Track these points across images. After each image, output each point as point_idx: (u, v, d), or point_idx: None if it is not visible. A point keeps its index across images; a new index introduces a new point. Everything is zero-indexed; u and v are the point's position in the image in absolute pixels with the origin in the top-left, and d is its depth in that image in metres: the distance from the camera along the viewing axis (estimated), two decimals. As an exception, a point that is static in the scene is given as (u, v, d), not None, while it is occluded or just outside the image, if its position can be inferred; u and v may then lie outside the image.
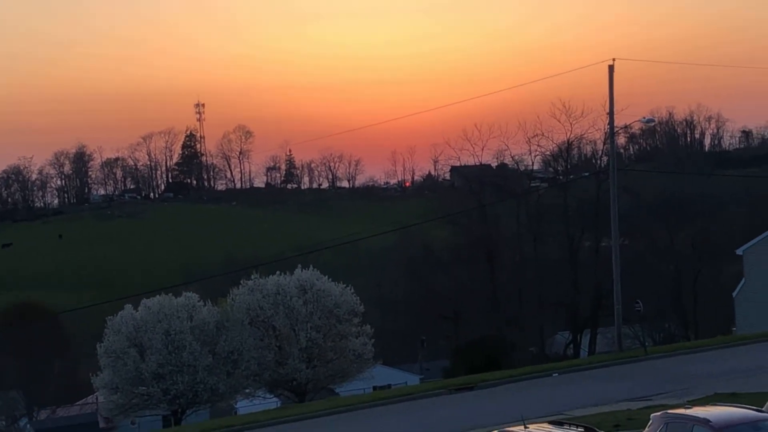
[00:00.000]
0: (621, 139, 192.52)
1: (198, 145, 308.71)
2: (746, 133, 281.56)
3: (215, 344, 56.10)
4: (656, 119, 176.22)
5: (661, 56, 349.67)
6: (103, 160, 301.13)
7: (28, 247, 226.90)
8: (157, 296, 57.72)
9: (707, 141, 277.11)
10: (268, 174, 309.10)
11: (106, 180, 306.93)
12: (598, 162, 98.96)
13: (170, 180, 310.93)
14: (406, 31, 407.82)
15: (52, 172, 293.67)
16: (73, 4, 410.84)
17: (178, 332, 54.97)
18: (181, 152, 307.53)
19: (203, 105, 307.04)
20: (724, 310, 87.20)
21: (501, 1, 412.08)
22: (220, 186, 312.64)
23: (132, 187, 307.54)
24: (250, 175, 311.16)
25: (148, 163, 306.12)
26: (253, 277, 59.95)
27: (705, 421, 22.24)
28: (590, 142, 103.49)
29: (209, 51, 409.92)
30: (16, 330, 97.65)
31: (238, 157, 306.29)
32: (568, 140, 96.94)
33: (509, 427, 23.66)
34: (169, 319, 55.37)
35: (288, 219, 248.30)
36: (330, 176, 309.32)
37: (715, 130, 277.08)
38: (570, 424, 23.15)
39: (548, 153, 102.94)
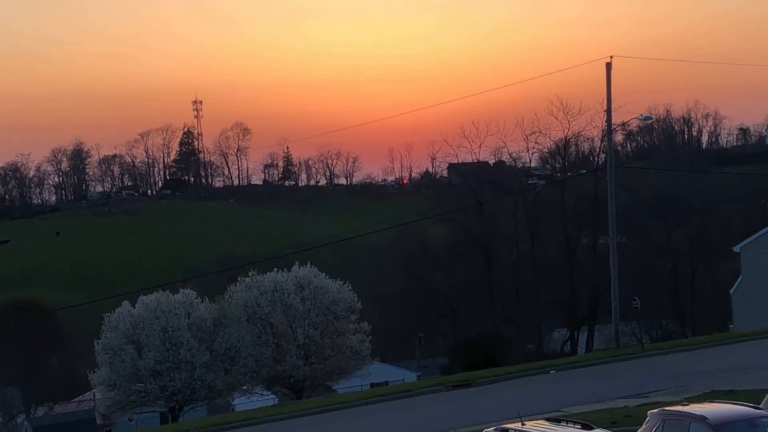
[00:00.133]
0: (618, 137, 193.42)
1: (195, 143, 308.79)
2: (743, 131, 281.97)
3: (213, 341, 56.13)
4: (654, 117, 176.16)
5: (659, 54, 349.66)
6: (101, 157, 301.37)
7: (26, 244, 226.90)
8: (155, 293, 57.74)
9: (704, 138, 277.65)
10: (266, 171, 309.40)
11: (104, 177, 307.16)
12: (596, 159, 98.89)
13: (168, 177, 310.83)
14: (404, 29, 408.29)
15: (50, 169, 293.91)
16: (71, 1, 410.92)
17: (176, 329, 55.00)
18: (178, 149, 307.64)
19: (201, 102, 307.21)
20: (721, 308, 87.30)
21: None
22: (218, 183, 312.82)
23: (129, 184, 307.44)
24: (247, 172, 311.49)
25: (146, 160, 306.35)
26: (250, 274, 59.97)
27: (702, 418, 22.27)
28: (588, 139, 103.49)
29: (207, 48, 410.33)
30: (14, 327, 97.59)
31: (236, 154, 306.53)
32: (565, 137, 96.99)
33: (507, 424, 23.72)
34: (166, 316, 55.40)
35: (285, 216, 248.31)
36: (327, 173, 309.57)
37: (713, 128, 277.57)
38: (567, 421, 23.19)
39: (546, 150, 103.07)
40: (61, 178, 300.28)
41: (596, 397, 37.99)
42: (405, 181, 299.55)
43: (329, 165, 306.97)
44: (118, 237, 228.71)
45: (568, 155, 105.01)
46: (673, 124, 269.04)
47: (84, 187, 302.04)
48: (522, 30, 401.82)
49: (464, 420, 35.39)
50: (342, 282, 59.93)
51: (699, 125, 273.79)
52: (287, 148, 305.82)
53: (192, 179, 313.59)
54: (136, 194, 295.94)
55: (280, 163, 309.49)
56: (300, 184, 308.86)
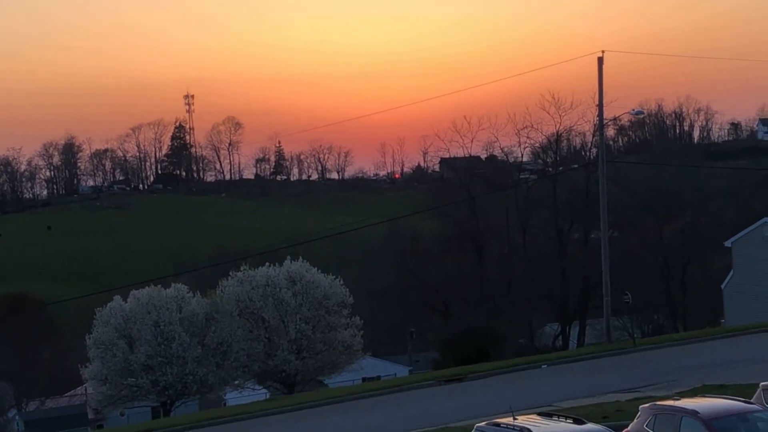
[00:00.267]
0: (610, 131, 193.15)
1: (187, 137, 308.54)
2: (735, 126, 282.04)
3: (204, 336, 56.13)
4: (645, 111, 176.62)
5: (651, 48, 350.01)
6: (92, 151, 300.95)
7: (17, 238, 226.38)
8: (147, 288, 57.74)
9: (696, 133, 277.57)
10: (258, 165, 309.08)
11: (95, 171, 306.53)
12: (588, 154, 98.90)
13: (159, 171, 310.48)
14: (396, 24, 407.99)
15: (41, 163, 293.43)
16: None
17: (168, 324, 55.00)
18: (170, 144, 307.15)
19: (192, 96, 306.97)
20: (712, 302, 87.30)
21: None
22: (210, 177, 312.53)
23: (121, 178, 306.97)
24: (239, 167, 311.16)
25: (138, 154, 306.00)
26: (242, 268, 60.00)
27: (693, 413, 22.31)
28: (579, 134, 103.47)
29: (198, 43, 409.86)
30: (5, 321, 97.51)
31: (228, 149, 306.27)
32: (557, 132, 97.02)
33: (498, 418, 23.71)
34: (158, 310, 55.39)
35: (277, 210, 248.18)
36: (319, 168, 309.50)
37: (704, 123, 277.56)
38: (559, 416, 23.20)
39: (537, 145, 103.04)
40: (52, 173, 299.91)
41: (588, 392, 38.03)
42: (397, 176, 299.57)
43: (321, 159, 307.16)
44: (109, 231, 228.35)
45: (560, 150, 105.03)
46: (665, 119, 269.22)
47: (75, 182, 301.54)
48: (514, 25, 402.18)
49: (456, 415, 35.41)
50: (334, 276, 60.01)
51: (690, 120, 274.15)
52: (279, 142, 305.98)
53: (184, 174, 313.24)
54: (128, 189, 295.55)
55: (272, 158, 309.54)
56: (292, 179, 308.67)
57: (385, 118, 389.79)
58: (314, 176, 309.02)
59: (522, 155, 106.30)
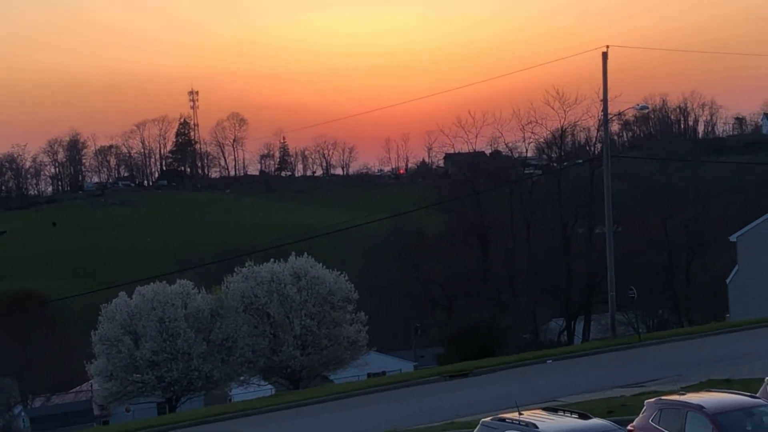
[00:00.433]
0: (615, 126, 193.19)
1: (192, 133, 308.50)
2: (739, 120, 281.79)
3: (209, 332, 56.20)
4: (650, 106, 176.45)
5: (655, 43, 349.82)
6: (97, 147, 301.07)
7: (22, 235, 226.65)
8: (152, 284, 57.83)
9: (701, 128, 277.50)
10: (262, 161, 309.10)
11: (100, 168, 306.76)
12: (592, 149, 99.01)
13: (164, 168, 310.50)
14: (400, 19, 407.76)
15: (46, 160, 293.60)
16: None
17: (173, 320, 55.07)
18: (174, 140, 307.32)
19: (197, 93, 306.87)
20: (717, 297, 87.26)
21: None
22: (214, 174, 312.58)
23: (126, 174, 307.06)
24: (243, 163, 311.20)
25: (142, 150, 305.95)
26: (247, 264, 60.05)
27: (699, 408, 22.29)
28: (584, 129, 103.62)
29: (203, 39, 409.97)
30: (10, 318, 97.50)
31: (232, 145, 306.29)
32: (561, 127, 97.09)
33: (504, 413, 23.71)
34: (163, 306, 55.46)
35: (282, 206, 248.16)
36: (324, 164, 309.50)
37: (709, 117, 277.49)
38: (564, 411, 23.19)
39: (542, 140, 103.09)
40: (57, 169, 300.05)
41: (593, 387, 37.99)
42: (401, 172, 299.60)
43: (325, 155, 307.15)
44: (114, 228, 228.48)
45: (565, 145, 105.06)
46: (670, 114, 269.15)
47: (80, 178, 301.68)
48: (518, 20, 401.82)
49: (462, 410, 35.40)
50: (339, 272, 60.03)
51: (695, 115, 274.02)
52: (283, 138, 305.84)
53: (188, 170, 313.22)
54: (133, 185, 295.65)
55: (277, 154, 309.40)
56: (296, 175, 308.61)
57: (390, 114, 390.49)
58: (319, 172, 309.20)
59: (526, 150, 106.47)
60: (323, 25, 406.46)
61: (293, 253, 60.61)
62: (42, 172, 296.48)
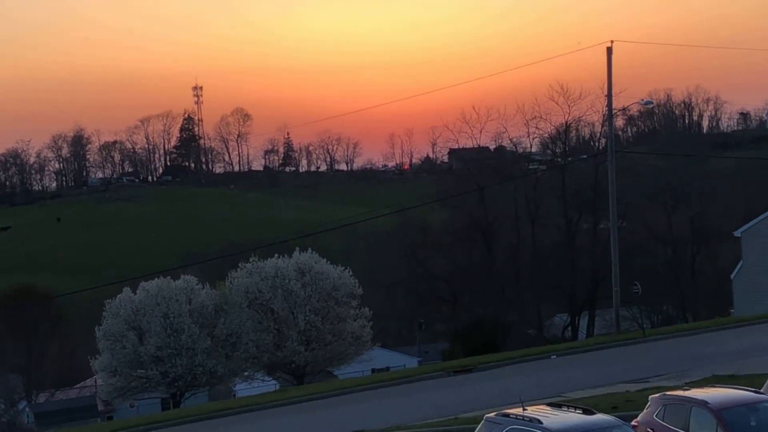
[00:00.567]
0: (619, 122, 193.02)
1: (196, 128, 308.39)
2: (744, 115, 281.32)
3: (214, 327, 56.23)
4: (654, 101, 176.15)
5: (660, 38, 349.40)
6: (101, 143, 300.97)
7: (26, 230, 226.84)
8: (156, 279, 57.85)
9: (705, 123, 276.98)
10: (266, 157, 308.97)
11: (104, 163, 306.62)
12: (597, 144, 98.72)
13: (168, 163, 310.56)
14: (405, 14, 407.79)
15: (50, 155, 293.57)
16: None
17: (177, 315, 55.10)
18: (179, 135, 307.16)
19: (201, 88, 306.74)
20: (721, 292, 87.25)
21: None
22: (218, 169, 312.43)
23: (130, 170, 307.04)
24: (248, 158, 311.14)
25: (146, 146, 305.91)
26: (251, 260, 60.07)
27: (703, 403, 22.29)
28: (588, 124, 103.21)
29: (207, 34, 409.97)
30: (15, 313, 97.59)
31: (236, 140, 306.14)
32: (566, 123, 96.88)
33: (508, 409, 23.70)
34: (167, 302, 55.49)
35: (286, 202, 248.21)
36: (328, 159, 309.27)
37: (713, 112, 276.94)
38: (568, 406, 23.18)
39: (546, 135, 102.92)
40: (61, 165, 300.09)
41: (597, 382, 38.00)
42: (406, 167, 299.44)
43: (330, 151, 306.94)
44: (118, 223, 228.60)
45: (569, 140, 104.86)
46: (674, 109, 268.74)
47: (84, 174, 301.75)
48: (523, 15, 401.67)
49: (466, 405, 35.41)
50: (343, 268, 60.03)
51: (700, 110, 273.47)
52: (288, 133, 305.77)
53: (192, 165, 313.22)
54: (137, 180, 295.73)
55: (281, 149, 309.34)
56: (300, 170, 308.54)
57: (394, 109, 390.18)
58: (323, 167, 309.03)
59: (531, 146, 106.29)
60: (327, 21, 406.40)
61: (297, 248, 60.63)
62: (46, 168, 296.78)
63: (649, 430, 23.65)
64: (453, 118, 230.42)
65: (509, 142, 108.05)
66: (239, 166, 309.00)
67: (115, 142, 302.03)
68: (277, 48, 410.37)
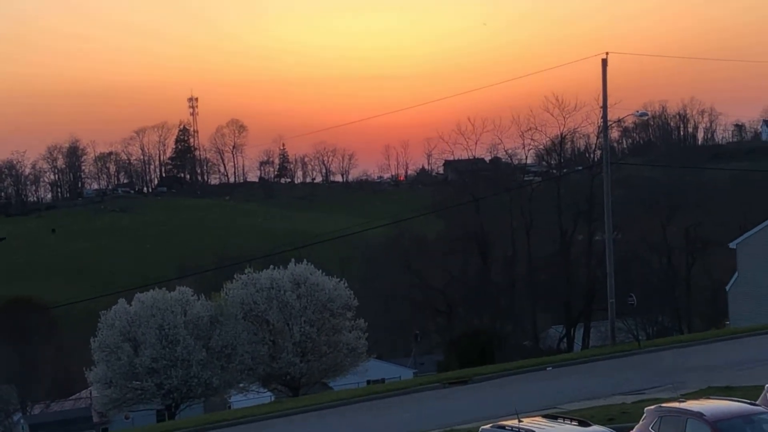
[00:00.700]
0: (614, 133, 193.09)
1: (191, 140, 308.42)
2: (739, 127, 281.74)
3: (209, 338, 56.14)
4: (649, 113, 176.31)
5: (655, 50, 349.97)
6: (97, 154, 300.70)
7: (22, 241, 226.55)
8: (151, 291, 57.74)
9: (700, 135, 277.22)
10: (262, 168, 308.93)
11: (100, 174, 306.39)
12: (592, 156, 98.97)
13: (163, 174, 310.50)
14: (400, 26, 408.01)
15: (46, 166, 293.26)
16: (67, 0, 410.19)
17: (172, 327, 55.01)
18: (174, 146, 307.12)
19: (196, 99, 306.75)
20: (717, 304, 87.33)
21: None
22: (214, 180, 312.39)
23: (125, 181, 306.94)
24: (243, 170, 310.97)
25: (142, 157, 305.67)
26: (246, 271, 59.97)
27: (699, 415, 22.30)
28: (583, 135, 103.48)
29: (202, 45, 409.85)
30: (9, 324, 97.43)
31: (232, 152, 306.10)
32: (561, 134, 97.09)
33: (503, 420, 23.72)
34: (162, 313, 55.40)
35: (281, 213, 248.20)
36: (323, 170, 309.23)
37: (708, 124, 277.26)
38: (564, 418, 23.20)
39: (541, 147, 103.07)
40: (56, 176, 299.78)
41: (593, 394, 38.01)
42: (401, 178, 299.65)
43: (325, 162, 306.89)
44: (114, 234, 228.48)
45: (564, 152, 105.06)
46: (669, 121, 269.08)
47: (80, 185, 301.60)
48: (518, 27, 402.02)
49: (461, 417, 35.39)
50: (338, 279, 59.98)
51: (694, 121, 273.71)
52: (283, 145, 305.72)
53: (188, 176, 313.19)
54: (132, 192, 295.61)
55: (276, 160, 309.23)
56: (296, 181, 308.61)
57: (389, 121, 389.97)
58: (318, 179, 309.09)
59: (526, 157, 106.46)
60: (322, 32, 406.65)
61: (293, 259, 60.58)
62: (41, 179, 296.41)
63: (644, 441, 23.66)
64: (448, 129, 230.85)
65: (504, 153, 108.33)
66: (235, 178, 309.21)
67: (110, 154, 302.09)
68: (272, 60, 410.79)
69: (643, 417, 24.32)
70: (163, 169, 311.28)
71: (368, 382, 72.52)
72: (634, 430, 24.38)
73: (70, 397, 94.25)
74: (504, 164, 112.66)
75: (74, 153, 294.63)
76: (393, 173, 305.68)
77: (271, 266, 60.13)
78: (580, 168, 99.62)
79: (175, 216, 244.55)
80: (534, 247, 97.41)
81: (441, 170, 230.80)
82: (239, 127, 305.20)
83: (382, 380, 76.01)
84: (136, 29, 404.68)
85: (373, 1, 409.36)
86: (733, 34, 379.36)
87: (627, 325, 79.47)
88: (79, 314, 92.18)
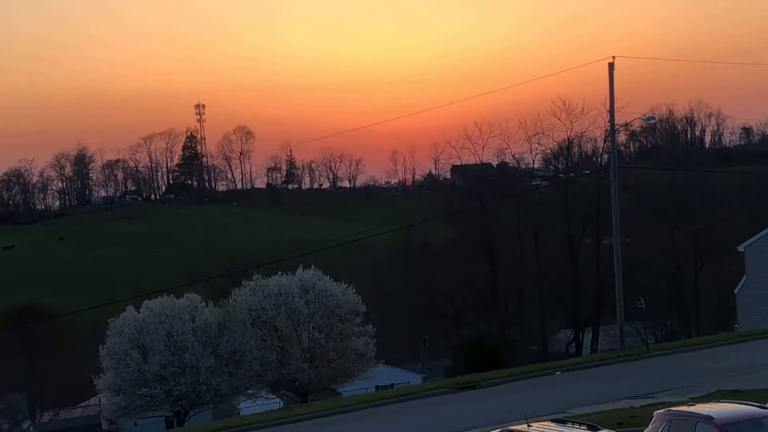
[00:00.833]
0: (621, 137, 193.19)
1: (198, 146, 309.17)
2: (746, 130, 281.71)
3: (217, 345, 56.13)
4: (657, 117, 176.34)
5: (662, 54, 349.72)
6: (104, 161, 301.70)
7: (30, 249, 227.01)
8: (159, 298, 57.73)
9: (708, 138, 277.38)
10: (269, 174, 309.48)
11: (107, 182, 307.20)
12: (599, 160, 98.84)
13: (171, 181, 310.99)
14: (407, 31, 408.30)
15: (53, 174, 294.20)
16: (73, 7, 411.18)
17: (181, 333, 55.01)
18: (181, 153, 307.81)
19: (203, 106, 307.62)
20: (725, 307, 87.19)
21: (501, 1, 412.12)
22: (221, 187, 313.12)
23: (133, 188, 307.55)
24: (250, 176, 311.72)
25: (149, 164, 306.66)
26: (254, 277, 59.95)
27: (708, 418, 22.25)
28: (591, 140, 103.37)
29: (209, 52, 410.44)
30: (18, 332, 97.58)
31: (239, 158, 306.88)
32: (568, 138, 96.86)
33: (513, 425, 23.70)
34: (171, 320, 55.40)
35: (289, 219, 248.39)
36: (331, 176, 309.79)
37: (716, 127, 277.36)
38: (573, 423, 23.18)
39: (549, 151, 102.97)
40: (64, 184, 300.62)
41: (602, 398, 37.96)
42: (408, 184, 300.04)
43: (332, 168, 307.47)
44: (121, 242, 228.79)
45: (571, 156, 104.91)
46: (676, 124, 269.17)
47: (87, 192, 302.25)
48: (524, 31, 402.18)
49: (470, 422, 35.39)
50: (346, 285, 59.95)
51: (702, 125, 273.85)
52: (290, 151, 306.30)
53: (195, 183, 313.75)
54: (140, 199, 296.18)
55: (284, 167, 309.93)
56: (303, 188, 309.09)
57: (396, 126, 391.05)
58: (326, 185, 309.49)
59: (533, 162, 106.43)
60: (329, 39, 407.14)
61: (301, 266, 60.56)
62: (49, 187, 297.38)
63: (654, 445, 23.64)
64: (455, 134, 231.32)
65: (512, 158, 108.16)
66: (242, 184, 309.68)
67: (117, 161, 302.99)
68: (279, 66, 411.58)
69: (652, 421, 24.27)
70: (170, 176, 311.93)
71: (377, 387, 72.48)
72: (644, 433, 24.37)
73: (79, 405, 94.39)
74: (511, 169, 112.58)
75: (82, 160, 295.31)
76: (400, 179, 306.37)
77: (279, 272, 60.10)
78: (587, 172, 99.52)
79: (183, 223, 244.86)
80: (542, 252, 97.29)
81: (448, 175, 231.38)
82: (246, 134, 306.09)
83: (391, 386, 75.99)
84: (143, 37, 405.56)
85: (380, 6, 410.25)
86: (739, 37, 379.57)
87: (635, 329, 79.45)
88: (87, 321, 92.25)
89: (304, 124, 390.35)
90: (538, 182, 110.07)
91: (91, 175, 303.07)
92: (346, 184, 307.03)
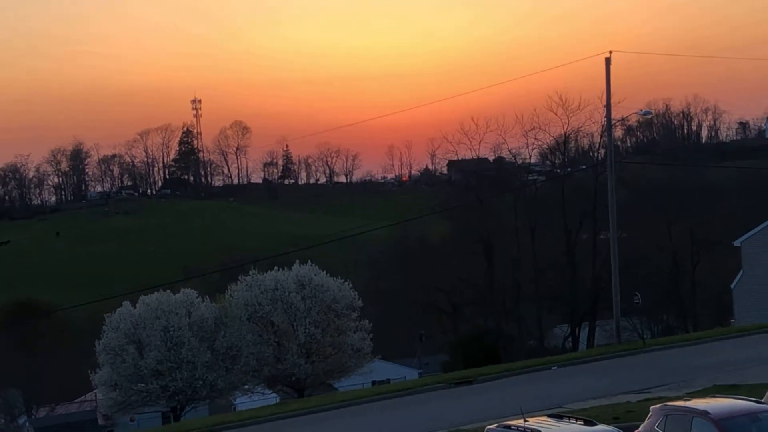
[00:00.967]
0: (618, 132, 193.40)
1: (195, 142, 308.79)
2: (743, 125, 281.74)
3: (214, 340, 56.10)
4: (653, 111, 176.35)
5: (658, 48, 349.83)
6: (100, 157, 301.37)
7: (26, 245, 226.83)
8: (156, 293, 57.70)
9: (704, 133, 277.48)
10: (266, 169, 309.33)
11: (103, 177, 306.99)
12: (596, 155, 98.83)
13: (167, 176, 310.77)
14: (403, 26, 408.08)
15: (49, 169, 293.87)
16: (69, 2, 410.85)
17: (177, 329, 54.97)
18: (178, 148, 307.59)
19: (200, 101, 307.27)
20: (722, 302, 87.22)
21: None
22: (218, 182, 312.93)
23: (129, 183, 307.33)
24: (247, 171, 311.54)
25: (145, 159, 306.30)
26: (251, 273, 59.91)
27: (704, 413, 22.24)
28: (587, 134, 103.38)
29: (205, 47, 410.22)
30: (15, 328, 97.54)
31: (235, 153, 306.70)
32: (565, 133, 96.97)
33: (509, 420, 23.67)
34: (167, 315, 55.36)
35: (286, 215, 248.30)
36: (327, 171, 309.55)
37: (712, 122, 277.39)
38: (569, 418, 23.16)
39: (545, 146, 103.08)
40: (60, 179, 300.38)
41: (598, 393, 37.95)
42: (405, 179, 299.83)
43: (329, 163, 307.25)
44: (118, 237, 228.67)
45: (568, 151, 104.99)
46: (673, 119, 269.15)
47: (84, 188, 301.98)
48: (521, 26, 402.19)
49: (467, 417, 35.35)
50: (343, 280, 59.90)
51: (698, 120, 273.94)
52: (287, 146, 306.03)
53: (192, 178, 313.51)
54: (136, 194, 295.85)
55: (280, 162, 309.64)
56: (300, 183, 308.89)
57: (393, 121, 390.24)
58: (322, 180, 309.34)
59: (530, 157, 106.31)
60: (325, 33, 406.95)
61: (297, 261, 60.52)
62: (45, 182, 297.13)
63: (650, 440, 23.63)
64: (452, 129, 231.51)
65: (508, 153, 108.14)
66: (238, 179, 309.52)
67: (114, 156, 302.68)
68: (276, 61, 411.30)
69: (649, 416, 24.26)
70: (166, 171, 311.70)
71: (373, 382, 72.49)
72: (640, 429, 24.33)
73: (76, 400, 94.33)
74: (508, 164, 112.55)
75: (78, 156, 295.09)
76: (397, 174, 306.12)
77: (276, 267, 60.07)
78: (584, 167, 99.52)
79: (179, 218, 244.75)
80: (539, 247, 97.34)
81: (445, 170, 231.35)
82: (243, 129, 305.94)
83: (388, 381, 76.05)
84: (138, 32, 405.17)
85: (376, 1, 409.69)
86: (736, 31, 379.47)
87: (632, 324, 79.75)
88: (84, 317, 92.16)
89: (301, 119, 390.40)
90: (535, 177, 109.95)
91: (87, 170, 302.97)
92: (342, 179, 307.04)
